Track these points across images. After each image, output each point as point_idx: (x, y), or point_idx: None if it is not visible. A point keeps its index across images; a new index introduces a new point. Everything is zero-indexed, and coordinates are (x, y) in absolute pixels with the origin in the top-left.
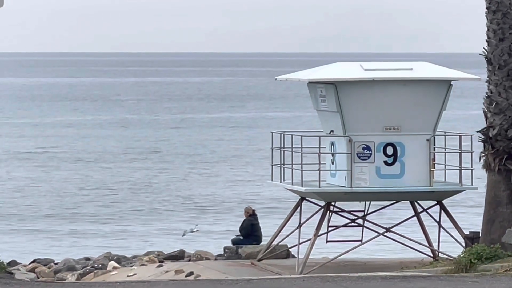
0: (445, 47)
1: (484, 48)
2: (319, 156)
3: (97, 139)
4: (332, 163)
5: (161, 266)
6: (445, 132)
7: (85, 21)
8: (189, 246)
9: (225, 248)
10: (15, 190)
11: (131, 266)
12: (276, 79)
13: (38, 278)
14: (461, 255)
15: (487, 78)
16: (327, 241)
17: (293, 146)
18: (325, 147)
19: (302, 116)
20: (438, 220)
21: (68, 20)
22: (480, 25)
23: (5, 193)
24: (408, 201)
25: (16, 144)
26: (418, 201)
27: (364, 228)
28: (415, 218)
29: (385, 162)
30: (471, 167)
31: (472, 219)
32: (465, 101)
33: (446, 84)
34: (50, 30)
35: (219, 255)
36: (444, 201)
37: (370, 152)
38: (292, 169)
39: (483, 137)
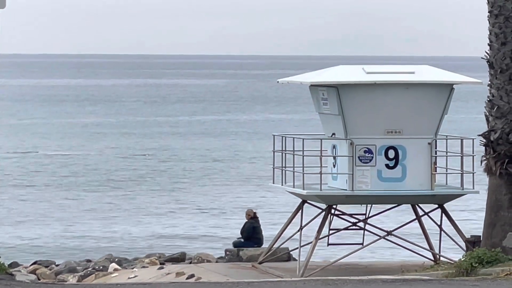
0: (448, 50)
1: (486, 52)
2: (321, 159)
3: (103, 141)
4: (334, 166)
5: (162, 268)
6: (446, 136)
7: (88, 22)
8: (190, 248)
9: (226, 250)
10: (25, 187)
11: (132, 268)
12: (278, 81)
13: (39, 279)
14: (462, 259)
15: (489, 82)
16: (328, 244)
17: (295, 149)
18: (326, 150)
19: (307, 120)
20: (439, 223)
21: (72, 21)
22: (483, 28)
23: (13, 193)
24: (410, 205)
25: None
26: (419, 204)
27: (365, 231)
28: (416, 221)
29: (387, 166)
30: (473, 170)
31: (473, 223)
32: (467, 105)
33: (448, 88)
34: (53, 31)
35: (220, 258)
36: (445, 205)
37: (372, 155)
38: (294, 172)
39: (484, 140)
